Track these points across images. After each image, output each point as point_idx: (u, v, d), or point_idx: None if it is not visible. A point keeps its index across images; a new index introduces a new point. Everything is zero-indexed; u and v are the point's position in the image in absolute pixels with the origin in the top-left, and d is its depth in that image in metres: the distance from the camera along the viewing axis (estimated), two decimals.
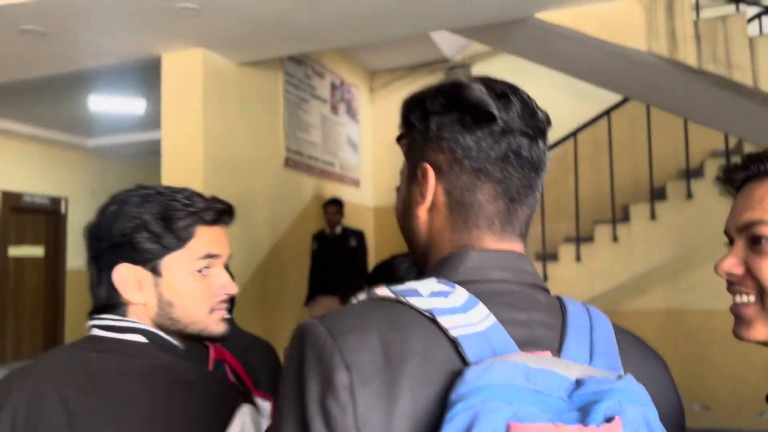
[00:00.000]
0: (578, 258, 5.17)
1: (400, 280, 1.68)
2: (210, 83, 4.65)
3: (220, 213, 1.06)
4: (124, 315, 1.00)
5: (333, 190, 6.55)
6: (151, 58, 4.61)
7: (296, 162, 5.85)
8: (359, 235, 5.36)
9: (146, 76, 5.31)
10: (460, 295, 0.67)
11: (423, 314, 0.65)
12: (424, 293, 0.67)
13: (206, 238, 1.03)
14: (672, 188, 5.16)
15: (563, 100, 5.83)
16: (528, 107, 0.74)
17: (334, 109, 6.67)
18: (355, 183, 7.11)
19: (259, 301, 5.20)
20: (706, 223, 4.81)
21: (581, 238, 5.27)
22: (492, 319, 0.65)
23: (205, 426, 0.91)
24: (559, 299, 0.74)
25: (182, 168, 4.60)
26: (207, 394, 0.95)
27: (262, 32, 4.27)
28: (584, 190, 5.59)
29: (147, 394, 0.92)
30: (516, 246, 0.75)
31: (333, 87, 6.66)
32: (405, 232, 0.81)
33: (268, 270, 5.33)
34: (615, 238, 5.13)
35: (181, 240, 1.00)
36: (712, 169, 5.00)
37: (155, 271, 1.00)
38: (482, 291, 0.68)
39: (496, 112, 0.72)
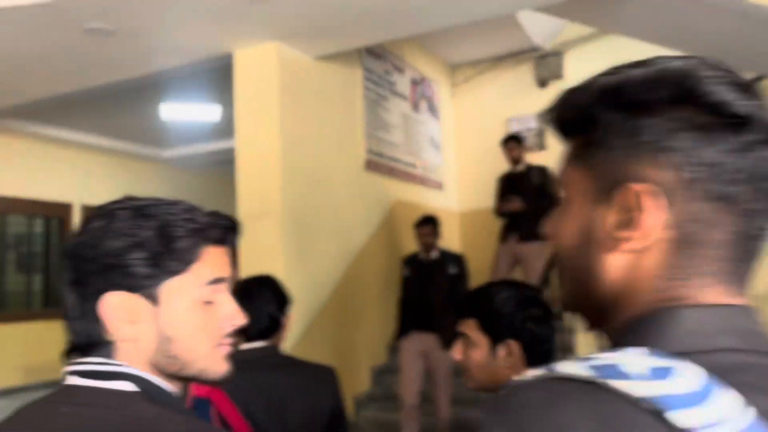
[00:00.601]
0: None
1: (497, 314, 1.33)
2: (286, 80, 4.28)
3: (227, 231, 0.91)
4: (110, 355, 0.83)
5: (416, 193, 6.09)
6: (224, 55, 4.28)
7: (377, 164, 5.42)
8: (459, 260, 4.44)
9: (220, 80, 5.02)
10: (691, 374, 0.46)
11: (640, 406, 0.45)
12: (633, 372, 0.47)
13: (213, 260, 0.88)
14: None
15: None
16: None
17: (415, 106, 6.22)
18: (439, 186, 6.62)
19: (338, 318, 4.78)
20: None
21: None
22: (750, 412, 0.45)
23: None
24: None
25: (258, 173, 4.24)
26: None
27: (338, 20, 3.87)
28: None
29: None
30: (741, 298, 0.55)
31: (413, 83, 6.20)
32: (573, 271, 0.61)
33: (349, 281, 4.91)
34: None
35: (185, 263, 0.84)
36: None
37: (153, 300, 0.83)
38: (711, 367, 0.48)
39: (750, 114, 0.52)
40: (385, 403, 4.93)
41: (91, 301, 0.82)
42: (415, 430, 4.16)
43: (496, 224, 5.47)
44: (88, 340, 0.82)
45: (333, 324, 4.68)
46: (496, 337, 1.33)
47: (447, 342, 3.99)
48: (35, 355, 6.98)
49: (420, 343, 4.21)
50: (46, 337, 7.17)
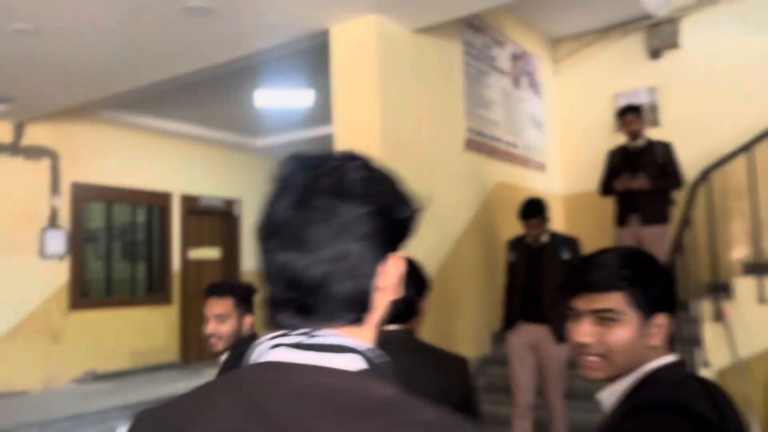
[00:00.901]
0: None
1: (657, 284, 1.15)
2: (384, 55, 4.06)
3: None
4: (361, 323, 0.74)
5: (517, 175, 5.75)
6: (320, 32, 4.13)
7: (477, 143, 5.13)
8: (573, 244, 3.94)
9: (314, 65, 4.89)
10: None
11: None
12: None
13: None
14: None
15: None
16: None
17: (516, 82, 5.86)
18: (541, 167, 6.24)
19: (438, 306, 4.54)
20: None
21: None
22: None
23: None
24: None
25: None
26: None
27: None
28: None
29: None
30: None
31: (514, 57, 5.85)
32: None
33: (449, 267, 4.66)
34: None
35: None
36: None
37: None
38: None
39: None
40: (491, 395, 4.66)
41: (378, 260, 0.75)
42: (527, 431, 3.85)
43: (603, 208, 5.04)
44: (361, 301, 0.73)
45: (433, 312, 4.42)
46: (649, 312, 1.13)
47: (559, 334, 3.64)
48: (140, 340, 7.18)
49: (528, 335, 3.85)
50: (149, 323, 7.37)
